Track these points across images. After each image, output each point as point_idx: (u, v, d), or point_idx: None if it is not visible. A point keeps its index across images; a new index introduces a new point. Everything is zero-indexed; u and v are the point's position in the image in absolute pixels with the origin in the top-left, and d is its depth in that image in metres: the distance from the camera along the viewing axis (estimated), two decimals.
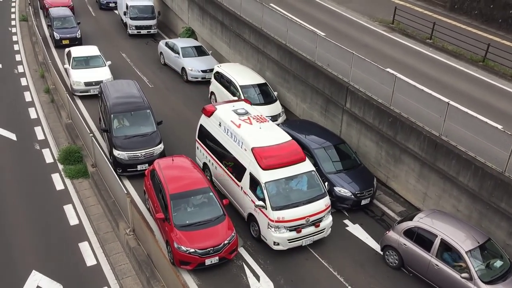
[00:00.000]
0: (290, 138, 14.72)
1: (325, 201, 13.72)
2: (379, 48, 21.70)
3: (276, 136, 14.69)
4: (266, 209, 13.12)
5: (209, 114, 15.99)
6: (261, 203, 13.16)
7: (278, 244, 13.24)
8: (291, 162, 13.85)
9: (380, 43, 22.43)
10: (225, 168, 15.05)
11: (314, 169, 14.20)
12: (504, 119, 15.80)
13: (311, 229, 13.47)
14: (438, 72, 19.68)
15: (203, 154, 16.42)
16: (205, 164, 16.35)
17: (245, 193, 14.04)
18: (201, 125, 16.50)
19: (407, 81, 15.98)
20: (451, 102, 14.19)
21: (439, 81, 18.69)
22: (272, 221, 13.04)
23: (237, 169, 14.41)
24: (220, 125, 15.42)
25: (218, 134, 15.47)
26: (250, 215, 14.01)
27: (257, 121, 15.25)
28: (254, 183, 13.63)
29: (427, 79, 18.56)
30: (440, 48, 22.14)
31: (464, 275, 11.64)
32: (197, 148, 16.85)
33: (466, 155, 13.66)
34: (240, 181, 14.26)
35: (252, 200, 13.65)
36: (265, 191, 13.20)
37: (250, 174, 13.78)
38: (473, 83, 19.01)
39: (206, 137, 16.16)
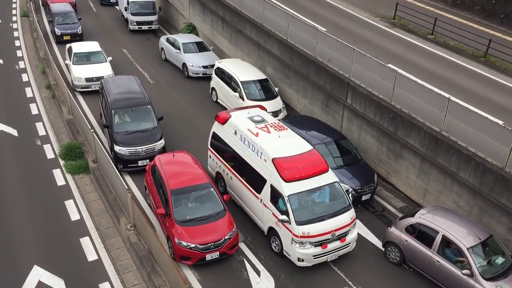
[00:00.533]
0: (311, 147, 14.02)
1: (351, 214, 13.06)
2: (380, 43, 21.65)
3: (297, 145, 13.98)
4: (290, 223, 12.46)
5: (223, 121, 15.28)
6: (284, 217, 12.48)
7: (302, 260, 12.61)
8: (315, 173, 13.13)
9: (381, 38, 22.37)
10: (242, 179, 14.35)
11: (338, 180, 13.55)
12: (505, 114, 15.75)
13: (337, 244, 12.82)
14: (439, 67, 19.63)
15: (216, 163, 15.73)
16: (218, 173, 15.72)
17: (265, 205, 13.36)
18: (214, 132, 15.77)
19: (408, 76, 15.95)
20: (452, 98, 14.18)
21: (440, 76, 18.65)
22: (297, 236, 12.36)
23: (256, 181, 13.69)
24: (235, 133, 14.72)
25: (233, 143, 14.77)
26: (271, 229, 13.35)
27: (275, 129, 14.54)
28: (275, 196, 12.95)
29: (428, 74, 18.51)
30: (441, 43, 22.07)
31: (465, 271, 11.64)
32: (210, 156, 16.13)
33: (466, 150, 13.65)
34: (259, 193, 13.56)
35: (273, 214, 12.99)
36: (288, 205, 12.51)
37: (271, 186, 13.08)
38: (475, 79, 18.95)
39: (220, 145, 15.48)
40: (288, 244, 12.68)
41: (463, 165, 13.74)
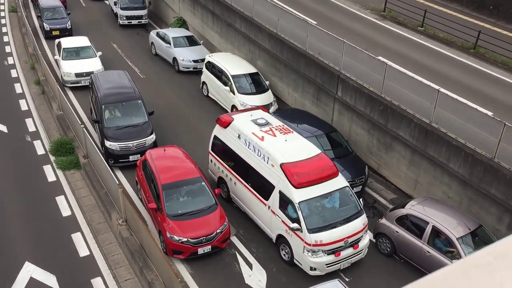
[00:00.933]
0: (319, 151, 13.55)
1: (363, 220, 12.69)
2: (371, 36, 21.68)
3: (304, 149, 13.48)
4: (302, 231, 12.01)
5: (225, 125, 14.77)
6: (296, 225, 11.98)
7: (315, 269, 12.19)
8: (324, 178, 12.66)
9: (371, 31, 22.40)
10: (247, 185, 13.86)
11: (348, 184, 13.21)
12: (494, 105, 15.86)
13: (350, 251, 12.41)
14: (429, 59, 19.71)
15: (218, 168, 15.22)
16: (220, 178, 15.23)
17: (273, 213, 12.88)
18: (215, 136, 15.28)
19: (398, 68, 16.02)
20: (441, 89, 14.25)
21: (430, 68, 18.73)
22: (309, 244, 11.92)
23: (263, 187, 13.24)
24: (239, 137, 14.20)
25: (237, 147, 14.25)
26: (280, 237, 12.87)
27: (281, 133, 14.03)
28: (285, 202, 12.52)
29: (418, 66, 18.58)
30: (431, 35, 22.15)
31: (455, 261, 11.72)
32: (211, 161, 15.63)
33: (456, 141, 13.75)
34: (267, 199, 13.10)
35: (283, 221, 12.53)
36: (299, 212, 12.05)
37: (280, 192, 12.64)
38: (464, 70, 19.05)
39: (222, 150, 14.97)
40: (300, 253, 12.25)
41: (452, 156, 13.84)
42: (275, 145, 13.43)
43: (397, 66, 16.47)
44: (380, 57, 16.98)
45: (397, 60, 18.39)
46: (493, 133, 12.85)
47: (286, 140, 13.71)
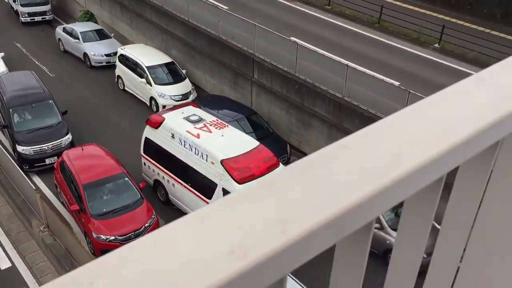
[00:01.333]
0: (258, 143, 13.50)
1: None
2: (282, 17, 22.02)
3: (243, 142, 13.39)
4: None
5: (156, 125, 14.23)
6: None
7: None
8: (267, 169, 12.59)
9: (282, 12, 22.75)
10: (187, 185, 13.58)
11: None
12: (400, 76, 16.74)
13: None
14: (338, 36, 20.37)
15: (153, 171, 14.72)
16: (156, 181, 14.79)
17: None
18: (146, 138, 14.67)
19: (309, 47, 16.47)
20: (350, 64, 14.86)
21: (340, 45, 19.36)
22: None
23: (204, 185, 13.01)
24: (173, 137, 13.77)
25: (172, 147, 13.82)
26: None
27: (216, 128, 13.73)
28: None
29: (328, 44, 19.14)
30: (338, 13, 22.87)
31: (375, 225, 12.41)
32: (144, 164, 15.04)
33: (368, 113, 14.44)
34: (210, 198, 12.78)
35: None
36: None
37: (223, 190, 12.43)
38: (371, 44, 19.90)
39: (155, 151, 14.41)
40: None
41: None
42: (212, 142, 13.18)
43: (308, 45, 16.93)
44: (292, 38, 17.35)
45: (308, 39, 18.84)
46: (400, 101, 13.61)
47: (222, 135, 13.47)
